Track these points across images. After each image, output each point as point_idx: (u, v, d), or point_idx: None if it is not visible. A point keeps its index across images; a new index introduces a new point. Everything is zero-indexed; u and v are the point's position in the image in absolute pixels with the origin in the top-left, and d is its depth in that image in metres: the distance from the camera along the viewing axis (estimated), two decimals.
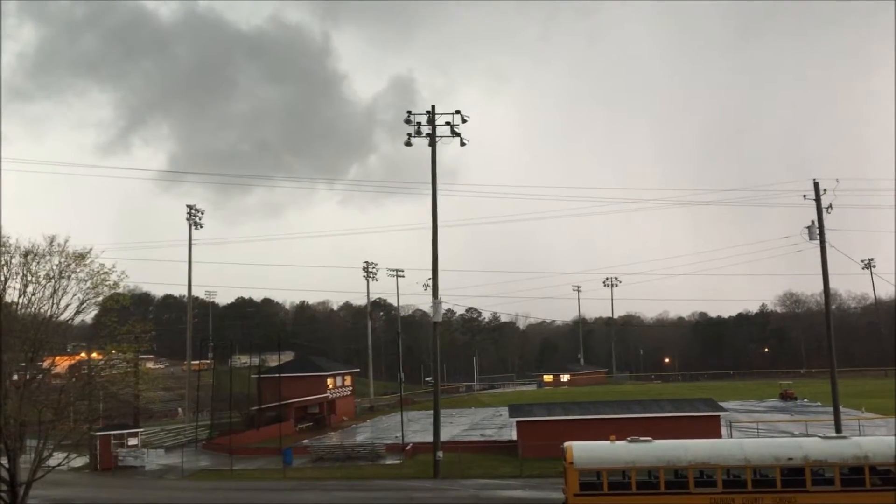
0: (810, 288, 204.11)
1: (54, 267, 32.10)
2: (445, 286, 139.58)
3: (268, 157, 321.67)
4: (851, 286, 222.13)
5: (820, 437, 32.16)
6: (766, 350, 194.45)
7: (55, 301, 32.18)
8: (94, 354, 36.65)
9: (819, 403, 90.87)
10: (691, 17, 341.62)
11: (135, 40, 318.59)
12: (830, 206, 51.69)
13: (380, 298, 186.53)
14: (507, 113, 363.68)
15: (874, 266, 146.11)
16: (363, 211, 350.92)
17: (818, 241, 52.03)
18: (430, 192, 54.21)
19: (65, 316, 32.94)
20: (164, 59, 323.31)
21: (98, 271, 32.80)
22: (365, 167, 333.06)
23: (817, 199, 51.99)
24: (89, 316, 36.53)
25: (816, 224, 51.96)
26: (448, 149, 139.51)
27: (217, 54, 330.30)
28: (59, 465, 33.32)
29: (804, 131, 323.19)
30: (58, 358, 34.71)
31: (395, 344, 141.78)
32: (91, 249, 33.05)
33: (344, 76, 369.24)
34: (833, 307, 67.20)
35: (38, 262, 31.84)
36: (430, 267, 54.33)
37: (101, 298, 33.52)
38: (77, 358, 40.05)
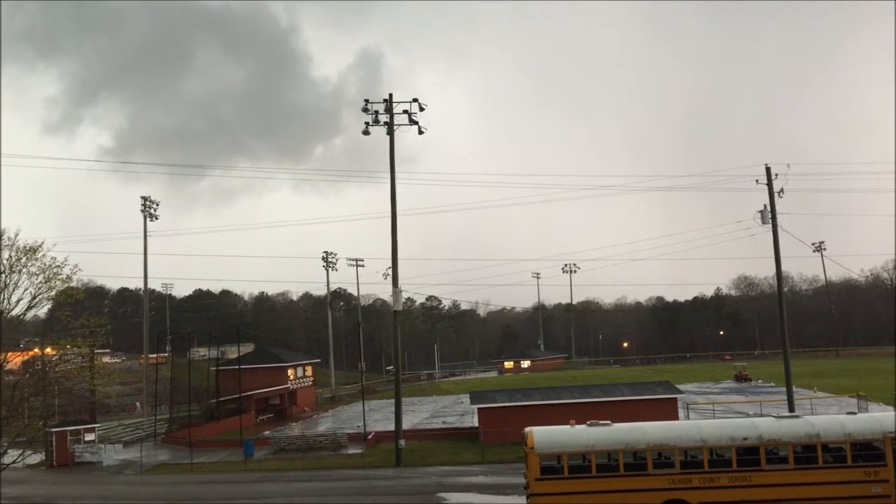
0: (763, 271, 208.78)
1: (4, 261, 31.45)
2: (406, 275, 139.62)
3: (224, 138, 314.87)
4: (803, 269, 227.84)
5: (774, 416, 32.85)
6: (722, 332, 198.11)
7: (6, 296, 31.56)
8: (48, 350, 36.00)
9: (773, 384, 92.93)
10: (658, 4, 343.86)
11: (87, 11, 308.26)
12: (782, 190, 52.64)
13: (340, 288, 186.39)
14: (470, 96, 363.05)
15: (825, 249, 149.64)
16: (324, 196, 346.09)
17: (770, 225, 53.02)
18: (389, 179, 54.07)
19: (17, 311, 32.36)
20: (118, 33, 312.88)
21: (50, 265, 32.22)
22: (330, 149, 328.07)
23: (769, 184, 52.91)
24: (42, 311, 35.92)
25: (769, 208, 52.92)
26: (410, 133, 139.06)
27: (174, 27, 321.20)
28: (13, 462, 32.74)
29: (772, 118, 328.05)
30: (10, 354, 34.03)
31: (355, 333, 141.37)
32: (43, 243, 32.46)
33: (310, 57, 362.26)
34: (785, 290, 68.60)
35: None
36: (389, 255, 54.26)
37: (54, 293, 32.91)
38: (31, 353, 39.29)
